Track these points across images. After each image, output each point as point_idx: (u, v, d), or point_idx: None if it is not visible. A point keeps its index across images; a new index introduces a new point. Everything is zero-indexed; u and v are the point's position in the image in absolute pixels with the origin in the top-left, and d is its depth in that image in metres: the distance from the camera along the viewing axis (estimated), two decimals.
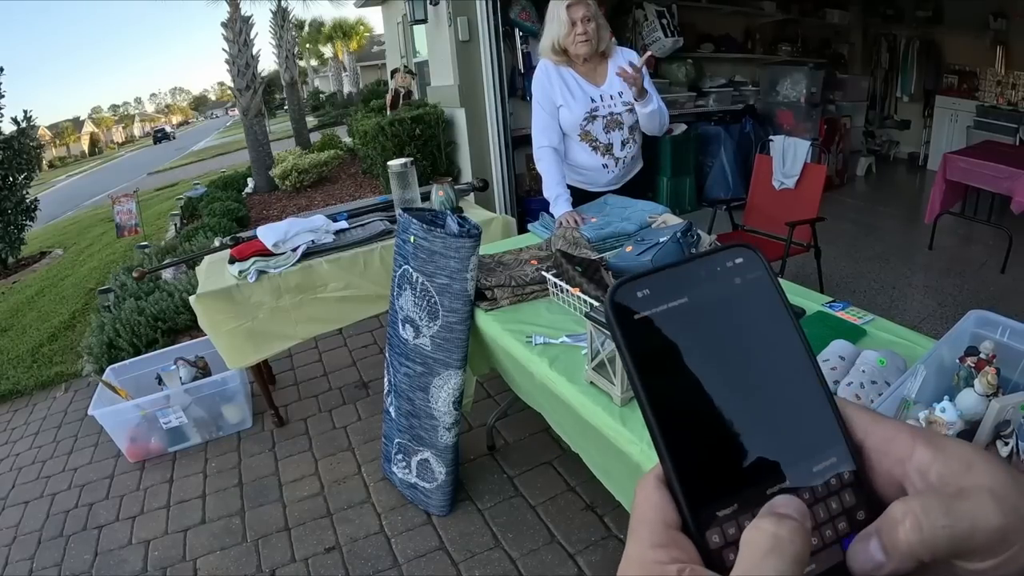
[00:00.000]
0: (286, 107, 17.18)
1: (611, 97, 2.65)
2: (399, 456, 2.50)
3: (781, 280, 2.52)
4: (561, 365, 1.72)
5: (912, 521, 0.26)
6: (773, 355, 0.31)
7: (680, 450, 0.28)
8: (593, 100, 2.63)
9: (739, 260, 0.32)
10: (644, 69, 2.65)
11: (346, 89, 30.72)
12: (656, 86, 2.79)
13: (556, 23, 2.60)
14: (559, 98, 2.64)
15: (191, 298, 2.71)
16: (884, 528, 0.27)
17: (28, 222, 9.37)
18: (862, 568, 0.27)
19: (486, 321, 2.08)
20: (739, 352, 0.30)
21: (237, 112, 10.83)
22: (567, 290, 1.97)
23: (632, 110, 2.66)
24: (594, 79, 2.66)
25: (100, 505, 2.88)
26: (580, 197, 2.74)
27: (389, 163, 2.96)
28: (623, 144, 2.71)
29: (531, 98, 2.74)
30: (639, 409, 0.29)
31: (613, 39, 2.72)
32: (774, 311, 0.31)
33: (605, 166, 2.73)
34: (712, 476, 0.28)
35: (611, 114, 2.65)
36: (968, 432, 1.13)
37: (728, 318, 0.30)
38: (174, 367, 3.21)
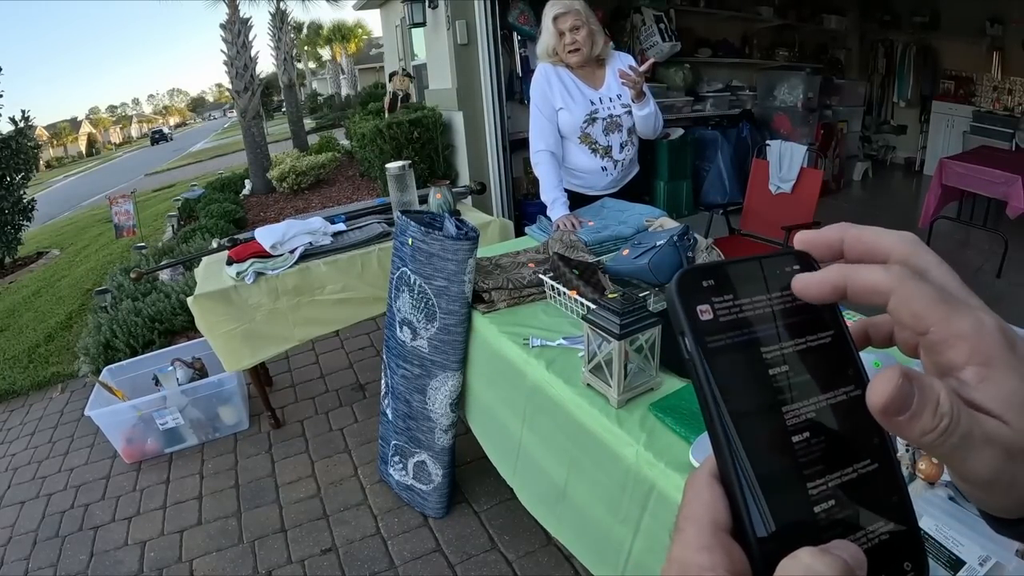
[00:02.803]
0: (284, 109, 17.17)
1: (610, 100, 2.66)
2: (396, 458, 2.50)
3: None
4: (558, 367, 1.72)
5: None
6: (827, 359, 0.31)
7: (742, 442, 0.28)
8: (593, 103, 2.64)
9: (796, 266, 0.32)
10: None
11: (344, 91, 30.74)
12: (653, 90, 2.80)
13: (546, 32, 2.63)
14: (559, 101, 2.65)
15: (188, 299, 2.71)
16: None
17: (25, 222, 9.35)
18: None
19: (483, 323, 2.08)
20: (798, 351, 0.30)
21: (235, 114, 10.82)
22: (564, 293, 1.98)
23: (630, 112, 2.67)
24: (592, 82, 2.67)
25: (96, 506, 2.88)
26: (577, 201, 2.75)
27: (387, 166, 2.96)
28: (622, 147, 2.72)
29: (529, 101, 2.75)
30: (697, 398, 0.29)
31: (610, 44, 2.72)
32: (828, 318, 0.32)
33: (604, 168, 2.74)
34: (771, 474, 0.28)
35: (610, 116, 2.66)
36: None
37: (787, 318, 0.31)
38: (171, 368, 3.21)
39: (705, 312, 0.30)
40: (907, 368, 0.27)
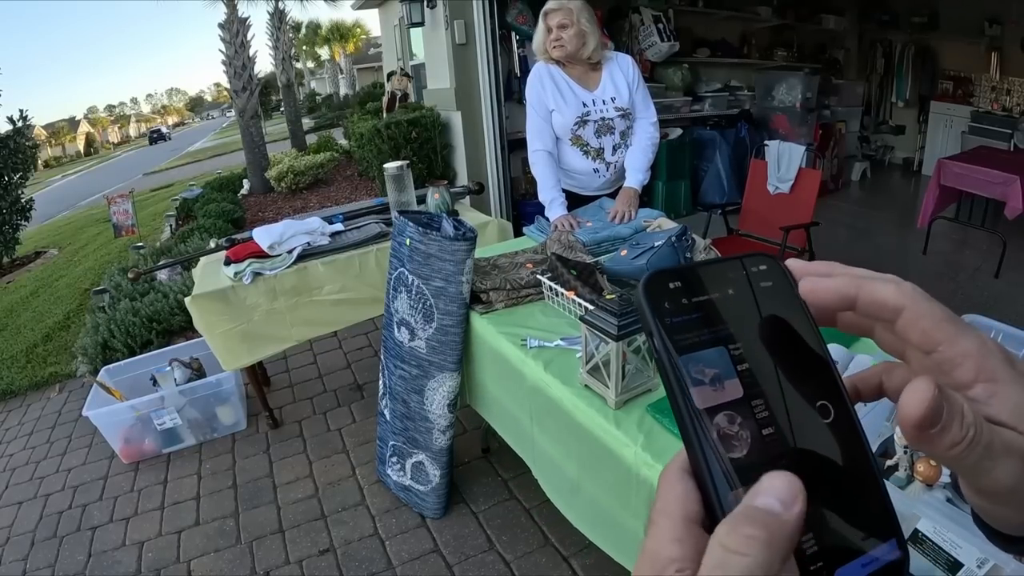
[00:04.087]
0: (282, 109, 17.18)
1: (603, 102, 2.65)
2: (393, 458, 2.50)
3: None
4: (556, 368, 1.72)
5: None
6: (794, 356, 0.31)
7: (709, 436, 0.28)
8: (585, 104, 2.63)
9: (763, 267, 0.33)
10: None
11: (342, 91, 30.70)
12: (651, 91, 2.79)
13: (539, 27, 2.66)
14: (551, 102, 2.64)
15: (186, 299, 2.71)
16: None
17: (23, 222, 9.33)
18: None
19: (481, 324, 2.08)
20: (763, 349, 0.31)
21: (233, 113, 10.83)
22: (562, 293, 1.98)
23: (624, 115, 2.66)
24: (586, 83, 2.66)
25: (94, 506, 2.88)
26: (574, 201, 2.75)
27: (385, 166, 2.96)
28: (615, 149, 2.71)
29: (526, 102, 2.75)
30: (667, 395, 0.30)
31: (610, 44, 2.72)
32: (795, 314, 0.32)
33: (596, 171, 2.73)
34: (741, 465, 0.28)
35: (603, 119, 2.65)
36: None
37: (753, 318, 0.31)
38: (168, 368, 3.21)
39: (672, 313, 0.30)
40: (934, 378, 0.27)
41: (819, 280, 0.31)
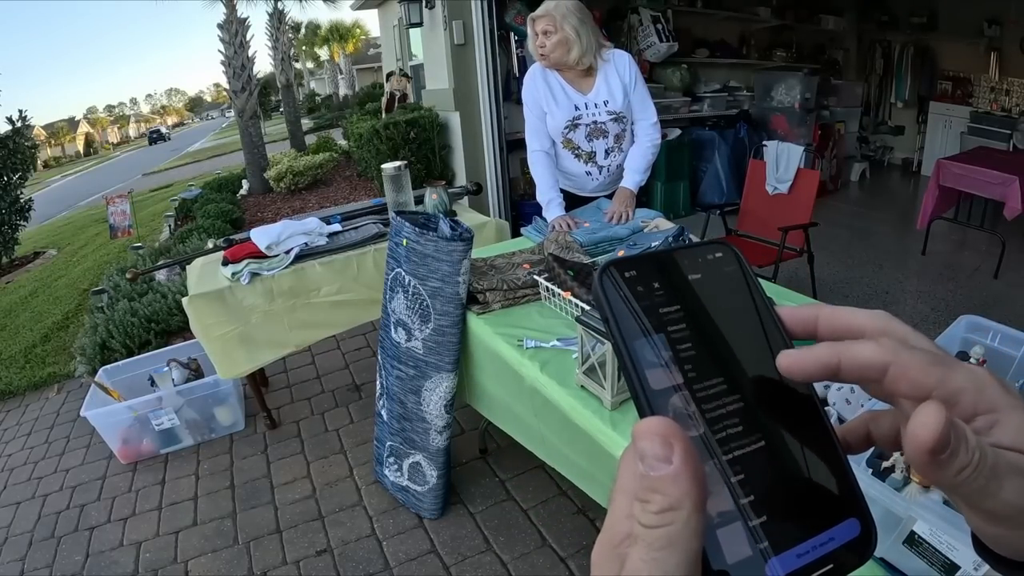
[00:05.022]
0: (282, 109, 17.17)
1: (595, 105, 2.62)
2: (391, 459, 2.50)
3: (774, 284, 2.54)
4: (552, 369, 1.72)
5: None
6: (748, 336, 0.32)
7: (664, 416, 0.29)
8: (577, 108, 2.61)
9: (718, 254, 0.34)
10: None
11: (342, 91, 30.67)
12: (651, 91, 2.78)
13: (528, 31, 2.64)
14: (544, 104, 2.63)
15: (183, 300, 2.70)
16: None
17: (22, 222, 9.33)
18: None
19: (478, 324, 2.08)
20: (719, 331, 0.32)
21: (232, 114, 10.84)
22: (559, 294, 1.97)
23: (618, 119, 2.64)
24: (580, 86, 2.64)
25: (92, 506, 2.87)
26: (572, 201, 2.75)
27: (383, 166, 2.95)
28: (607, 152, 2.69)
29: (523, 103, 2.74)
30: (624, 378, 0.31)
31: (607, 45, 2.70)
32: (749, 299, 0.34)
33: (588, 173, 2.73)
34: (697, 444, 0.28)
35: (594, 123, 2.63)
36: None
37: (707, 302, 0.32)
38: (167, 368, 3.21)
39: (628, 300, 0.31)
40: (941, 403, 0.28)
41: (796, 355, 0.31)
